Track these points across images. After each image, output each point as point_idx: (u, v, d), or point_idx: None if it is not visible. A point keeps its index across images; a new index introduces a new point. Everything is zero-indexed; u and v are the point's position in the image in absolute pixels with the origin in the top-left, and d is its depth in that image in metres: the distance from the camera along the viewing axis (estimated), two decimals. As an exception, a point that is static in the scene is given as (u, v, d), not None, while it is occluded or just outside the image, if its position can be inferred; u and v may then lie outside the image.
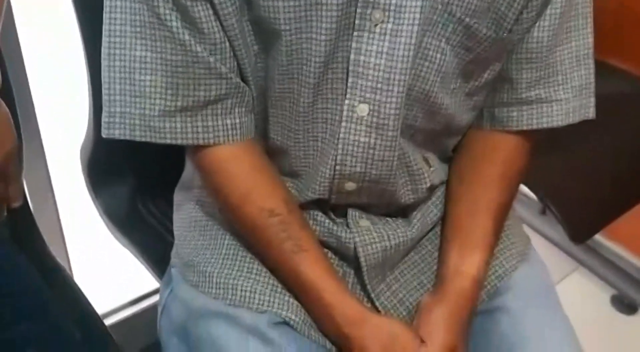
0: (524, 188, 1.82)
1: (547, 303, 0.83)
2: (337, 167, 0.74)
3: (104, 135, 0.73)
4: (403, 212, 0.83)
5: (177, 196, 0.93)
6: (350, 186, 0.76)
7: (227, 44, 0.70)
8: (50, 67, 2.21)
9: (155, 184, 1.03)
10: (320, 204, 0.80)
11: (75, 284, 0.82)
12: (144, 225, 1.03)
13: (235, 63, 0.72)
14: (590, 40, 0.79)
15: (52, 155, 1.16)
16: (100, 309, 0.87)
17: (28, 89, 1.04)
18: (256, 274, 0.77)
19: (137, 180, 1.05)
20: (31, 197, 1.03)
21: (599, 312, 1.71)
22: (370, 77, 0.69)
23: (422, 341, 0.72)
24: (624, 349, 1.63)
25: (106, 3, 0.69)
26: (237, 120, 0.74)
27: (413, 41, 0.67)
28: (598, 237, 1.79)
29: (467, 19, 0.69)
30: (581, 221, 1.21)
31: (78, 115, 1.03)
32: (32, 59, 1.08)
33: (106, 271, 1.55)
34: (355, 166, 0.74)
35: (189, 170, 0.93)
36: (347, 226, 0.80)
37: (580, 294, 1.74)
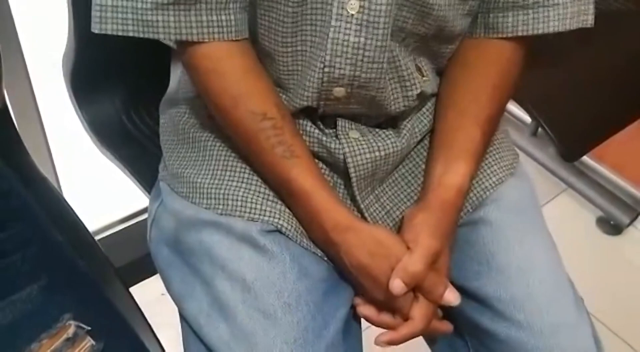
0: (515, 109, 1.82)
1: (531, 216, 0.83)
2: (326, 70, 0.73)
3: (95, 31, 0.71)
4: (393, 122, 0.82)
5: (163, 109, 0.91)
6: (339, 91, 0.74)
7: None
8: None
9: (140, 97, 1.01)
10: (310, 114, 0.79)
11: (58, 192, 0.81)
12: (130, 139, 1.01)
13: None
14: None
15: (33, 64, 1.12)
16: (90, 227, 0.86)
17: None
18: (247, 183, 0.76)
19: (122, 92, 1.03)
20: (14, 109, 1.00)
21: (585, 233, 1.74)
22: None
23: (408, 248, 0.72)
24: (608, 268, 1.67)
25: None
26: (232, 17, 0.72)
27: None
28: (586, 159, 1.80)
29: None
30: (573, 140, 1.21)
31: (59, 20, 0.98)
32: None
33: (96, 187, 1.54)
34: (345, 68, 0.72)
35: (174, 82, 0.91)
36: (337, 136, 0.78)
37: (567, 216, 1.76)
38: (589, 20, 0.79)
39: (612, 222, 1.73)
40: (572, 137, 1.20)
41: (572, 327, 0.76)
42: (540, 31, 0.77)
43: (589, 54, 1.31)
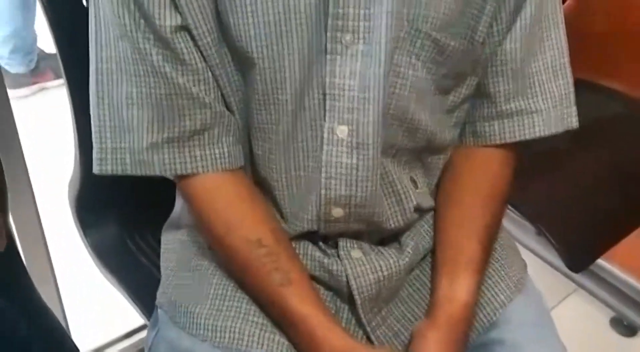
0: (520, 210, 1.81)
1: (544, 333, 0.82)
2: (323, 192, 0.74)
3: (96, 172, 0.74)
4: (396, 239, 0.82)
5: (165, 235, 0.92)
6: (337, 212, 0.76)
7: (210, 73, 0.71)
8: (36, 106, 2.21)
9: (144, 221, 1.02)
10: (311, 236, 0.79)
11: (61, 327, 0.81)
12: (133, 262, 1.01)
13: (219, 92, 0.73)
14: (565, 49, 0.80)
15: (40, 193, 1.15)
16: (91, 345, 0.85)
17: (14, 128, 1.03)
18: (245, 313, 0.76)
19: (126, 217, 1.04)
20: (19, 236, 1.02)
21: (598, 334, 1.69)
22: (346, 98, 0.70)
23: None
24: (624, 372, 1.62)
25: (92, 42, 0.71)
26: (225, 150, 0.74)
27: (384, 59, 0.68)
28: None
29: (434, 33, 0.71)
30: (578, 249, 1.19)
31: (66, 151, 1.02)
32: (17, 99, 1.08)
33: (99, 306, 1.53)
34: (340, 189, 0.74)
35: (177, 208, 0.92)
36: (339, 256, 0.79)
37: (579, 317, 1.73)
38: (573, 122, 0.81)
39: (625, 323, 1.69)
40: (577, 247, 1.19)
41: None
42: (527, 137, 0.80)
43: (590, 160, 1.32)
